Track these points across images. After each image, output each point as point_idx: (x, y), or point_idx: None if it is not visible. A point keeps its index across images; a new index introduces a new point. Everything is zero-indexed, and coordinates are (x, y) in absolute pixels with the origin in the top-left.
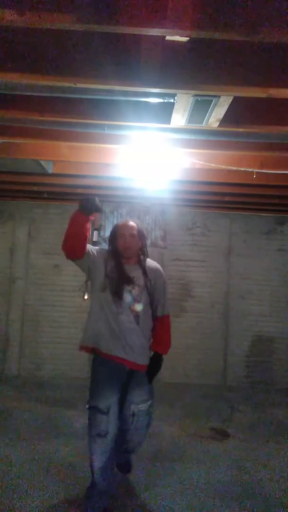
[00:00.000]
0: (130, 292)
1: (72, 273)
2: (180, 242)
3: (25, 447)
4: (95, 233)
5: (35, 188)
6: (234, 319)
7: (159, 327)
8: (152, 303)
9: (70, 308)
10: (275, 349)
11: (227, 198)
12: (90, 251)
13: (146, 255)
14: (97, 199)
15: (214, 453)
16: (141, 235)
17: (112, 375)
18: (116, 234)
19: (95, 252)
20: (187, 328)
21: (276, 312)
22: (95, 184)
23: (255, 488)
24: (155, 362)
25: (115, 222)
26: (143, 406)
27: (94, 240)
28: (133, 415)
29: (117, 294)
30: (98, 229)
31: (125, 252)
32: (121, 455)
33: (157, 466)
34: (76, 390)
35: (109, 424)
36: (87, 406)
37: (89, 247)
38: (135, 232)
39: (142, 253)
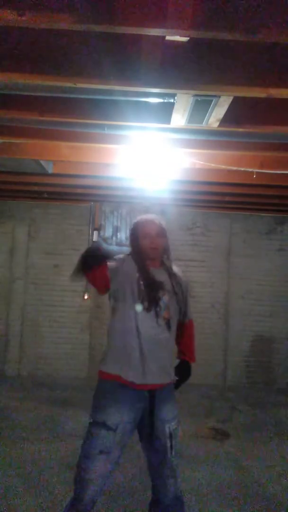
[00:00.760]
0: (162, 298)
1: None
2: (180, 242)
3: (25, 447)
4: (95, 233)
5: (35, 188)
6: (234, 319)
7: (186, 334)
8: (180, 309)
9: (70, 308)
10: (275, 349)
11: (227, 198)
12: (113, 276)
13: (170, 256)
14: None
15: (214, 453)
16: (166, 233)
17: (128, 397)
18: (139, 233)
19: (119, 277)
20: None
21: (276, 312)
22: (95, 184)
23: (255, 488)
24: (185, 371)
25: (115, 222)
26: (175, 424)
27: (94, 240)
28: (170, 436)
29: (152, 303)
30: (98, 229)
31: (152, 254)
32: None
33: None
34: (76, 390)
35: (115, 443)
36: (90, 420)
37: (109, 269)
38: (161, 230)
39: (166, 254)
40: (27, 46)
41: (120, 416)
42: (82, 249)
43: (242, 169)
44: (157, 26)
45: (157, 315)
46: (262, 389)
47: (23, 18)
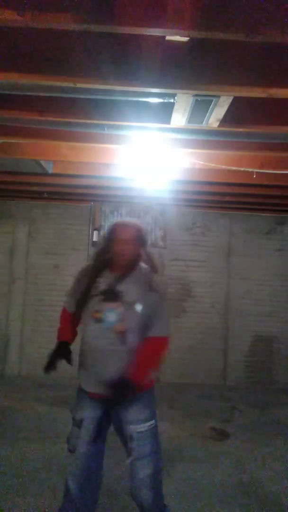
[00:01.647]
0: (113, 310)
1: (72, 273)
2: (180, 242)
3: (25, 447)
4: (95, 233)
5: (35, 188)
6: (234, 319)
7: (145, 348)
8: (144, 324)
9: None
10: (275, 349)
11: (227, 198)
12: (70, 304)
13: (150, 261)
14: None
15: (214, 453)
16: (140, 240)
17: (85, 396)
18: (112, 236)
19: (81, 285)
20: (187, 328)
21: (276, 312)
22: (95, 184)
23: (255, 488)
24: (119, 387)
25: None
26: (141, 427)
27: (94, 240)
28: (132, 439)
29: (94, 311)
30: (98, 229)
31: (118, 259)
32: None
33: None
34: (76, 390)
35: (78, 440)
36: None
37: (76, 291)
38: (133, 236)
39: (137, 260)
40: (27, 46)
41: (82, 413)
42: (82, 249)
43: (242, 169)
44: (157, 26)
45: (110, 328)
46: (262, 389)
47: (23, 18)
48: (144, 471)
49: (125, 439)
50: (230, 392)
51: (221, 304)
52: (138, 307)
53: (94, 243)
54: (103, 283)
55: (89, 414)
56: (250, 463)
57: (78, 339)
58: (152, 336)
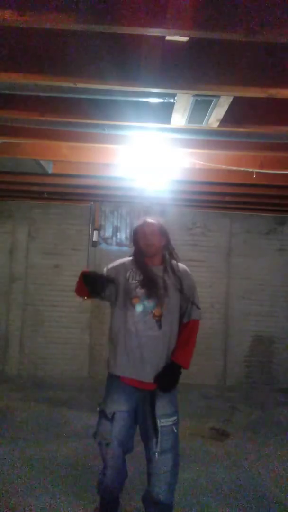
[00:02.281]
0: (151, 296)
1: (72, 273)
2: (180, 242)
3: (25, 447)
4: (95, 233)
5: (35, 188)
6: (234, 319)
7: (182, 334)
8: (180, 308)
9: (70, 308)
10: (275, 349)
11: (227, 198)
12: (109, 286)
13: (171, 254)
14: (98, 275)
15: (214, 453)
16: (162, 232)
17: (125, 388)
18: (137, 234)
19: (119, 277)
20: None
21: (276, 312)
22: (95, 184)
23: (255, 488)
24: (168, 373)
25: (115, 222)
26: (166, 422)
27: (94, 240)
28: (156, 430)
29: (133, 299)
30: (98, 229)
31: (147, 250)
32: None
33: None
34: (76, 390)
35: (111, 432)
36: (97, 408)
37: (109, 275)
38: (155, 228)
39: (167, 251)
40: (27, 46)
41: (116, 406)
42: (82, 249)
43: (242, 169)
44: (157, 26)
45: (148, 313)
46: (262, 389)
47: (23, 18)
48: (165, 466)
49: (148, 433)
50: (230, 392)
51: (221, 304)
52: (172, 293)
53: (94, 243)
54: (140, 273)
55: (123, 407)
56: (250, 463)
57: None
58: (192, 319)
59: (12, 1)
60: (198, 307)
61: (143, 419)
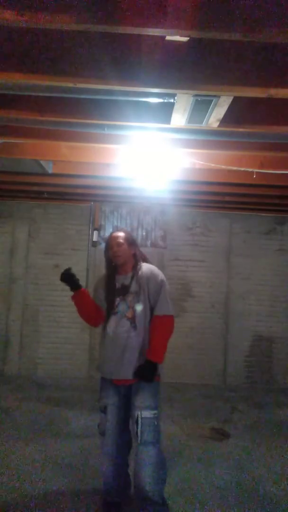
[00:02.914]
0: (124, 300)
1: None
2: (180, 242)
3: (25, 447)
4: (95, 233)
5: (35, 188)
6: (234, 319)
7: (153, 328)
8: (152, 306)
9: (70, 308)
10: (275, 349)
11: (227, 198)
12: (100, 303)
13: (140, 261)
14: (67, 270)
15: (214, 453)
16: (130, 242)
17: (109, 385)
18: (107, 246)
19: (101, 293)
20: (187, 328)
21: (276, 312)
22: (95, 184)
23: (255, 488)
24: (143, 369)
25: (115, 222)
26: (146, 413)
27: (94, 240)
28: (137, 422)
29: (111, 305)
30: (98, 229)
31: (116, 260)
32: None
33: None
34: (76, 390)
35: (107, 423)
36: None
37: (96, 298)
38: (121, 240)
39: (135, 259)
40: (27, 46)
41: (106, 401)
42: (82, 249)
43: (242, 169)
44: (157, 26)
45: (123, 316)
46: (262, 389)
47: (23, 18)
48: (148, 458)
49: (132, 425)
50: (230, 392)
51: (221, 304)
52: (143, 295)
53: (94, 243)
54: (116, 283)
55: (111, 400)
56: (250, 463)
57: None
58: (157, 315)
59: (12, 1)
60: (167, 302)
61: (130, 411)
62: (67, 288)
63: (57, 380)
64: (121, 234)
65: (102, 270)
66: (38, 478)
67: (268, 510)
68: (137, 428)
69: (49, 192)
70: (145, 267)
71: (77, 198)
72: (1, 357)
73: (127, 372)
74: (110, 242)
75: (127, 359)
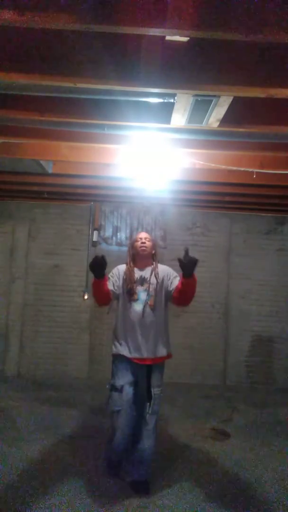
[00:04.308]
0: (145, 290)
1: (72, 273)
2: (180, 242)
3: (25, 447)
4: (95, 233)
5: (35, 188)
6: (234, 319)
7: (176, 291)
8: (168, 293)
9: (70, 308)
10: (275, 349)
11: (227, 198)
12: (113, 287)
13: (157, 260)
14: (100, 258)
15: (214, 453)
16: (153, 242)
17: (128, 366)
18: (135, 240)
19: (116, 280)
20: (187, 328)
21: (276, 312)
22: (95, 184)
23: (255, 488)
24: (191, 261)
25: (115, 222)
26: (157, 390)
27: (94, 240)
28: (150, 398)
29: (131, 292)
30: (98, 229)
31: (141, 252)
32: (135, 464)
33: (157, 466)
34: (76, 390)
35: (122, 401)
36: (107, 386)
37: (111, 283)
38: (148, 237)
39: (154, 258)
40: (27, 46)
41: (123, 380)
42: (82, 249)
43: (242, 169)
44: (157, 26)
45: (143, 304)
46: (262, 389)
47: (23, 18)
48: (152, 424)
49: (143, 399)
50: (230, 392)
51: (221, 304)
52: (159, 287)
53: (94, 243)
54: (135, 274)
55: (128, 380)
56: (250, 463)
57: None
58: (176, 287)
59: (12, 1)
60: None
61: (140, 389)
62: (67, 288)
63: (57, 380)
64: (147, 234)
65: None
66: (38, 478)
67: (268, 510)
68: (149, 401)
69: (49, 192)
70: (161, 267)
71: (77, 198)
72: (1, 357)
73: (149, 352)
74: (139, 237)
75: (152, 341)
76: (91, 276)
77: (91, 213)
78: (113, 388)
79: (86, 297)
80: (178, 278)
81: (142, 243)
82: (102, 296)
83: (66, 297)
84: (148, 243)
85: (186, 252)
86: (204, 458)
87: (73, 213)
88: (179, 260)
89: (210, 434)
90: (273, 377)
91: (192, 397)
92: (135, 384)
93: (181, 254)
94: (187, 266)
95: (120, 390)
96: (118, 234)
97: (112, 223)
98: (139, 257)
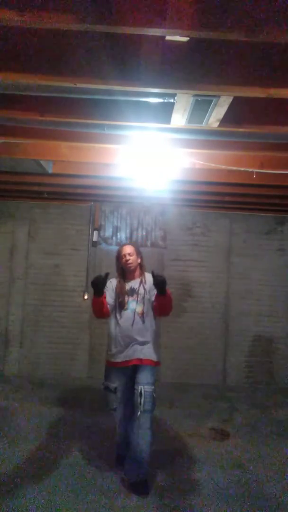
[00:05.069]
0: (134, 300)
1: (72, 273)
2: (180, 242)
3: (24, 447)
4: (95, 233)
5: (35, 188)
6: (234, 319)
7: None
8: (152, 306)
9: (70, 308)
10: (275, 349)
11: (227, 198)
12: (111, 301)
13: (144, 269)
14: (103, 277)
15: (214, 453)
16: (137, 253)
17: (119, 369)
18: (119, 256)
19: (111, 293)
20: (187, 328)
21: (276, 312)
22: (95, 184)
23: (255, 488)
24: (161, 279)
25: (115, 222)
26: (148, 388)
27: (94, 240)
28: (141, 395)
29: (122, 303)
30: (98, 229)
31: (127, 268)
32: (135, 470)
33: (157, 466)
34: (76, 390)
35: (117, 401)
36: (102, 386)
37: (107, 296)
38: (131, 251)
39: (141, 267)
40: (27, 46)
41: (117, 382)
42: (82, 249)
43: (242, 169)
44: (157, 26)
45: (133, 312)
46: (262, 389)
47: (23, 18)
48: (146, 424)
49: (135, 397)
50: (230, 392)
51: (221, 304)
52: (147, 294)
53: (94, 243)
54: (125, 286)
55: (120, 381)
56: (251, 463)
57: None
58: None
59: (12, 1)
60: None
61: (132, 388)
62: (67, 288)
63: (57, 380)
64: (130, 246)
65: (102, 270)
66: (37, 478)
67: (268, 510)
68: (140, 399)
69: (49, 192)
70: (148, 277)
71: (77, 198)
72: (1, 357)
73: (137, 355)
74: (122, 254)
75: (138, 345)
76: (91, 276)
77: (91, 213)
78: (108, 389)
79: (86, 297)
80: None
81: (127, 260)
82: (101, 311)
83: (66, 297)
84: (132, 258)
85: (153, 274)
86: (204, 458)
87: (73, 213)
88: (153, 280)
89: (210, 434)
90: (273, 377)
91: (192, 397)
92: (127, 385)
93: (181, 254)
94: (158, 286)
95: (114, 391)
96: (118, 234)
97: (112, 223)
98: (127, 271)
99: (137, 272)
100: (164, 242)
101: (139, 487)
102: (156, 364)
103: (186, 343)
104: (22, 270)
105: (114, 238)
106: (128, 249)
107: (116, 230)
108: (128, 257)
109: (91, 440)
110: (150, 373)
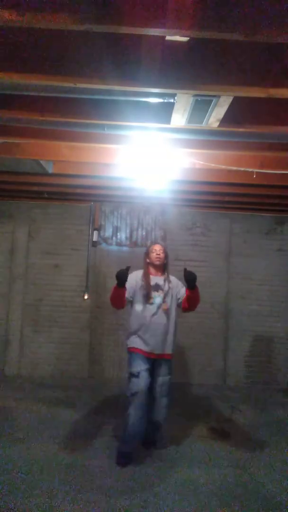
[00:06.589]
0: (160, 296)
1: (72, 273)
2: (180, 242)
3: (24, 447)
4: (95, 233)
5: (35, 188)
6: (234, 319)
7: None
8: (177, 301)
9: (70, 308)
10: (275, 349)
11: (227, 198)
12: (129, 295)
13: (168, 269)
14: (126, 270)
15: (214, 453)
16: (166, 253)
17: (142, 356)
18: (150, 250)
19: (132, 285)
20: (187, 328)
21: (276, 312)
22: (95, 184)
23: (255, 488)
24: (193, 276)
25: (115, 222)
26: (166, 379)
27: (94, 240)
28: (161, 385)
29: (148, 296)
30: (98, 229)
31: (156, 262)
32: (151, 431)
33: (157, 466)
34: (76, 390)
35: (139, 385)
36: (127, 375)
37: (128, 286)
38: (162, 248)
39: (166, 267)
40: (27, 46)
41: (140, 367)
42: (82, 249)
43: (242, 169)
44: (157, 26)
45: (158, 307)
46: (262, 389)
47: (23, 18)
48: (163, 403)
49: (155, 384)
50: (230, 392)
51: (221, 304)
52: (171, 291)
53: (94, 243)
54: (151, 281)
55: (144, 367)
56: (250, 463)
57: None
58: (181, 300)
59: (12, 1)
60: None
61: (153, 376)
62: (67, 288)
63: (57, 380)
64: (161, 246)
65: (102, 270)
66: (37, 478)
67: (268, 510)
68: (160, 388)
69: (49, 192)
70: (171, 277)
71: (77, 198)
72: (1, 357)
73: (160, 349)
74: (154, 248)
75: (165, 340)
76: (91, 276)
77: (91, 213)
78: (132, 375)
79: (86, 297)
80: (184, 289)
81: (157, 254)
82: (122, 302)
83: (66, 297)
84: (162, 255)
85: (185, 270)
86: (204, 458)
87: (73, 213)
88: (184, 276)
89: (210, 434)
90: (273, 377)
91: (192, 397)
92: (149, 372)
93: (181, 254)
94: (189, 281)
95: (137, 375)
96: (118, 234)
97: (112, 223)
98: (153, 266)
99: (161, 269)
100: (164, 242)
101: (157, 443)
102: (171, 356)
103: (186, 343)
104: (22, 270)
105: (114, 238)
106: (158, 247)
107: (116, 230)
108: (159, 252)
109: (91, 440)
110: (167, 366)
